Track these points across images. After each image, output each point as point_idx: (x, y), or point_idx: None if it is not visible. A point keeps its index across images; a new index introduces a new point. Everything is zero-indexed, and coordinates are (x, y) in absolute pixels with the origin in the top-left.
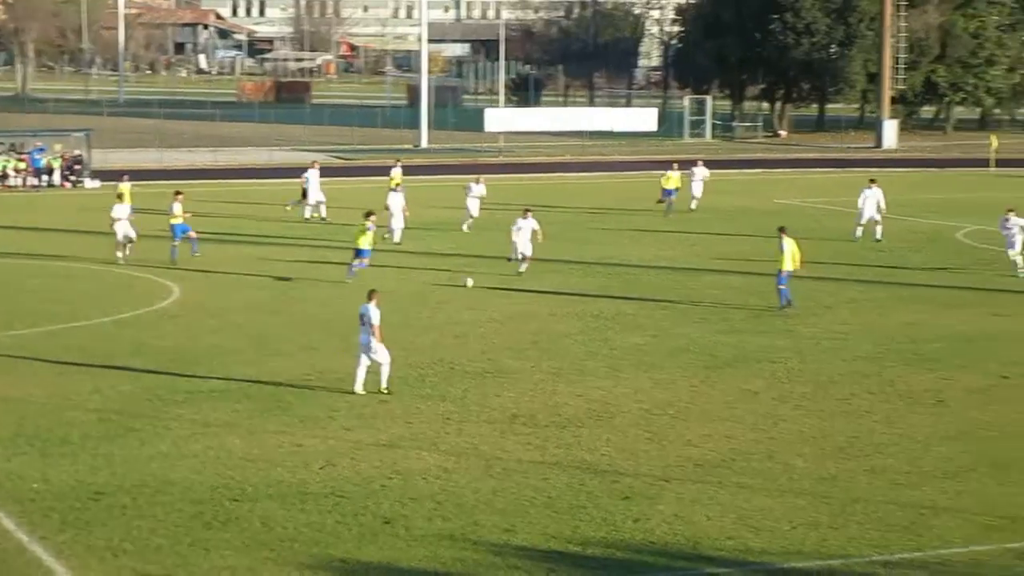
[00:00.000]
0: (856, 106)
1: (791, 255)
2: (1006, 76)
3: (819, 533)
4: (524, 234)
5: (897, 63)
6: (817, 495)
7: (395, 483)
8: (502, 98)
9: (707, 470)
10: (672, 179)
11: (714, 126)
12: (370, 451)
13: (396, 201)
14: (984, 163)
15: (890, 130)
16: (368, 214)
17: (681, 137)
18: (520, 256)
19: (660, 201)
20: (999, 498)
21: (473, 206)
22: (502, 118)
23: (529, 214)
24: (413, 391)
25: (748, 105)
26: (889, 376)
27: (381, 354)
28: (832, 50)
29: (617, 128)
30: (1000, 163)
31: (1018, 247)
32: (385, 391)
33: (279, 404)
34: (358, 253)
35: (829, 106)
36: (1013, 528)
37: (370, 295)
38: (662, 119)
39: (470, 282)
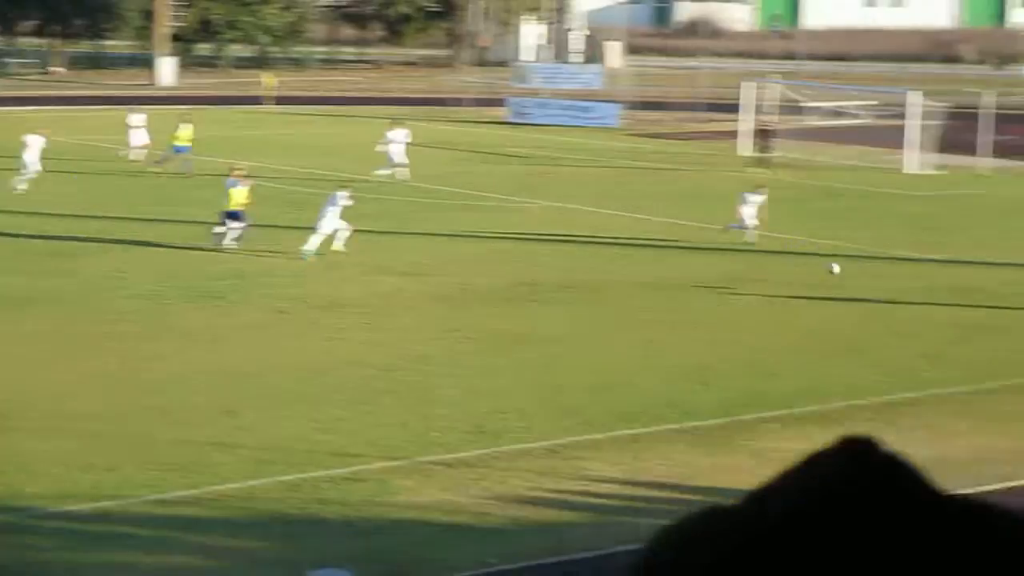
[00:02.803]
0: (132, 43)
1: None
2: (281, 15)
3: (93, 476)
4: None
5: (172, 1)
6: (90, 436)
7: None
8: None
9: None
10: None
11: None
12: None
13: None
14: (259, 100)
15: (167, 67)
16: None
17: None
18: None
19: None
20: (273, 432)
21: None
22: None
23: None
24: None
25: (24, 41)
26: (169, 313)
27: None
28: None
29: None
30: (280, 100)
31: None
32: None
33: None
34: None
35: (107, 43)
36: (287, 461)
37: None
38: None
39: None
